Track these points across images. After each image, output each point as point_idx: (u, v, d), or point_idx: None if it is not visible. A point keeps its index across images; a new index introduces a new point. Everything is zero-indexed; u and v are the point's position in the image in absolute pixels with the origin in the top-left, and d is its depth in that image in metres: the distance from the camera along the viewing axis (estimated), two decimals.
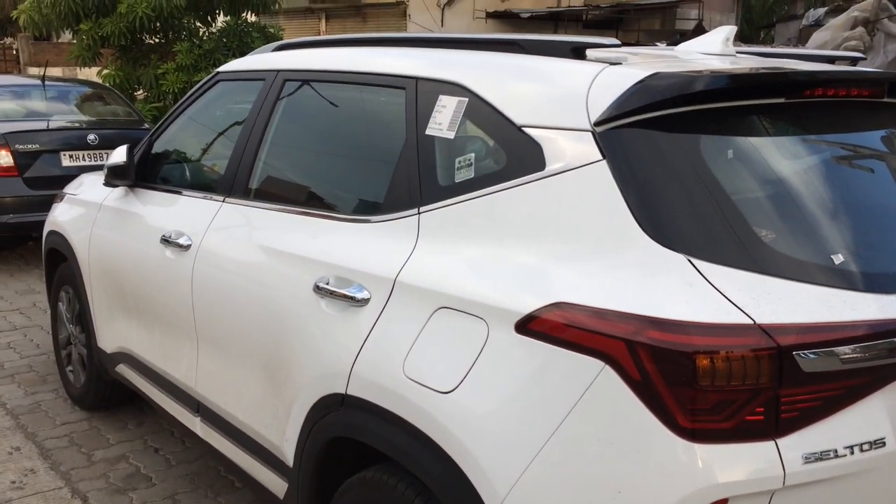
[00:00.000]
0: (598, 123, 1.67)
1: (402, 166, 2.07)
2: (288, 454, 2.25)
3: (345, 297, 2.06)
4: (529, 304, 1.63)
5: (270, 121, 2.59)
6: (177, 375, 2.90)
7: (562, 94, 1.79)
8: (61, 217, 3.83)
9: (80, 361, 3.92)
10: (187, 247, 2.72)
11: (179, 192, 3.00)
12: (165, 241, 2.84)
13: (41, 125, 6.82)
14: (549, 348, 1.58)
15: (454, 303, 1.77)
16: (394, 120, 2.17)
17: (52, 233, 3.94)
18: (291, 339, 2.22)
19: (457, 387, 1.71)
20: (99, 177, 3.82)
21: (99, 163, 6.82)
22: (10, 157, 6.52)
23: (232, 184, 2.67)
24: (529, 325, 1.62)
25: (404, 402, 1.82)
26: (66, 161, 6.77)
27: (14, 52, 22.91)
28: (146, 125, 7.47)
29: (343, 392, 1.99)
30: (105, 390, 3.81)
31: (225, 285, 2.54)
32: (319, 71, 2.53)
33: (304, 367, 2.16)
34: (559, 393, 1.56)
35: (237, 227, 2.61)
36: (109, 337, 3.43)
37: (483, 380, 1.68)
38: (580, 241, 1.66)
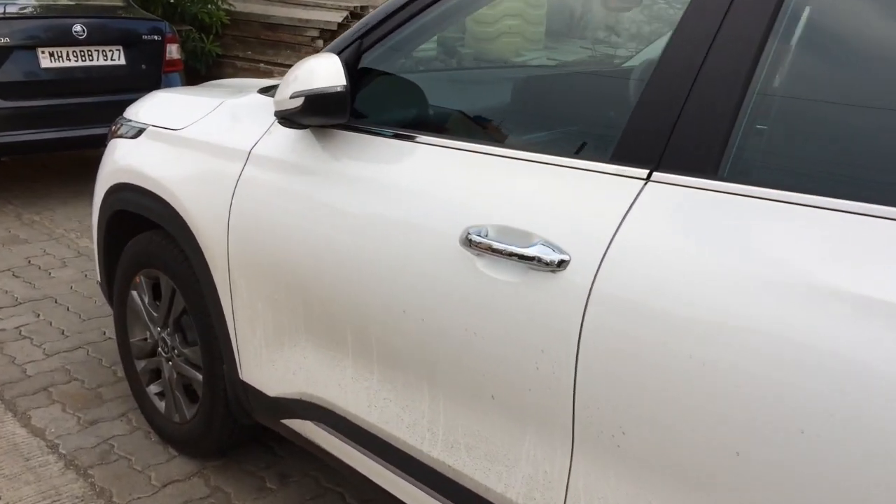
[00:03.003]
0: None
1: None
2: None
3: None
4: None
5: (785, 26, 1.26)
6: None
7: None
8: (154, 166, 2.36)
9: (182, 386, 2.55)
10: (558, 266, 1.39)
11: (484, 151, 1.64)
12: (475, 244, 1.50)
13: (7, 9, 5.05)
14: None
15: None
16: None
17: (129, 188, 2.48)
18: None
19: None
20: (213, 98, 2.37)
21: (89, 63, 5.16)
22: None
23: (666, 144, 1.34)
24: None
25: None
26: (46, 61, 5.07)
27: None
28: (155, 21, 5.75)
29: None
30: (236, 434, 2.48)
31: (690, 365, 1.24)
32: None
33: None
34: None
35: (698, 231, 1.29)
36: (274, 373, 2.08)
37: None
38: None
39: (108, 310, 3.73)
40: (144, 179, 2.38)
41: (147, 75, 5.54)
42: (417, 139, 1.75)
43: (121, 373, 3.15)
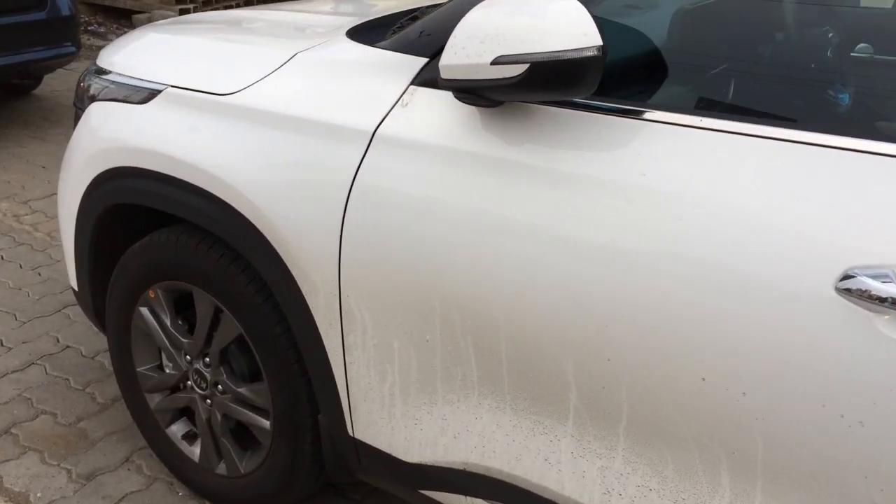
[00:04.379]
0: None
1: None
2: None
3: None
4: None
5: None
6: None
7: None
8: (189, 146, 1.64)
9: (228, 430, 1.94)
10: None
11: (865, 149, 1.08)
12: (868, 294, 1.00)
13: None
14: None
15: None
16: None
17: (138, 174, 1.76)
18: None
19: None
20: (267, 45, 1.71)
21: None
22: None
23: None
24: None
25: None
26: None
27: None
28: None
29: None
30: (316, 487, 1.91)
31: None
32: None
33: None
34: None
35: None
36: (418, 435, 1.52)
37: None
38: None
39: (49, 304, 2.96)
40: (172, 164, 1.68)
41: None
42: (721, 126, 1.18)
43: (101, 397, 2.46)
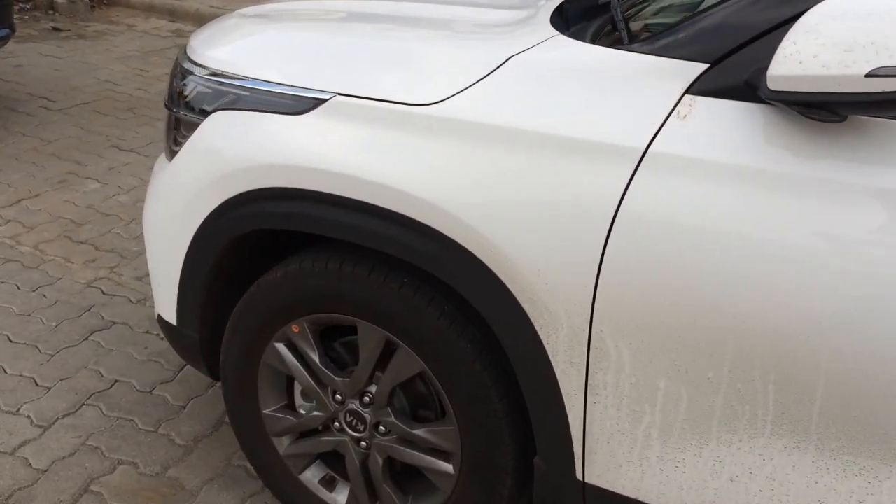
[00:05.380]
0: None
1: None
2: None
3: None
4: None
5: None
6: None
7: None
8: (378, 165, 1.41)
9: (389, 474, 1.74)
10: None
11: None
12: None
13: None
14: None
15: None
16: None
17: (294, 196, 1.53)
18: None
19: None
20: (466, 46, 1.52)
21: None
22: None
23: None
24: None
25: None
26: None
27: None
28: None
29: None
30: None
31: None
32: None
33: None
34: None
35: None
36: (678, 478, 1.37)
37: None
38: None
39: (72, 331, 2.61)
40: (352, 185, 1.44)
41: None
42: None
43: (180, 438, 2.18)
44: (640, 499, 1.44)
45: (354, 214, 1.48)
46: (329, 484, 1.85)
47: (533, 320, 1.38)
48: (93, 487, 1.99)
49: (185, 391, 2.37)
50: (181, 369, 2.46)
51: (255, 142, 1.57)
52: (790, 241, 1.17)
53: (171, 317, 1.89)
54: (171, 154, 1.80)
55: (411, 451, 1.68)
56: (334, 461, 1.86)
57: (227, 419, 2.25)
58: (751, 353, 1.23)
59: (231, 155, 1.60)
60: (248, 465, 2.09)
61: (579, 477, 1.48)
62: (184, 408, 2.30)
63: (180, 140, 1.75)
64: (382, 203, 1.43)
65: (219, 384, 2.34)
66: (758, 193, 1.19)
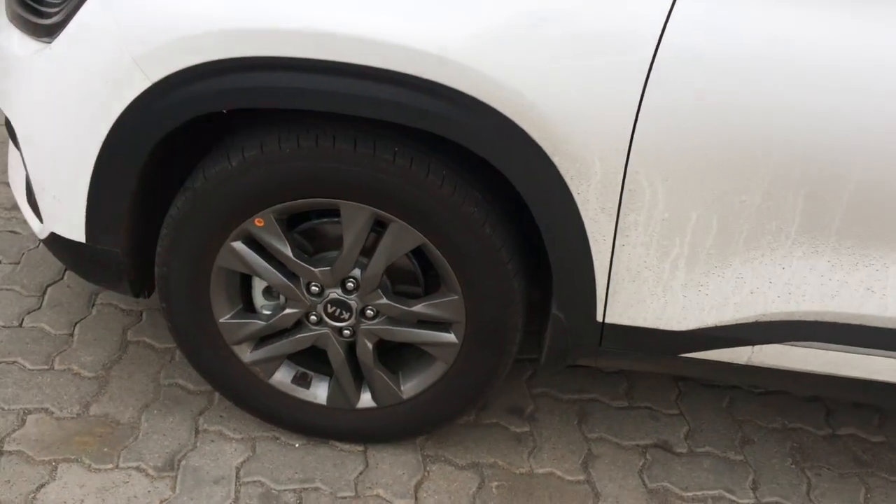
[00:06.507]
0: None
1: None
2: None
3: None
4: None
5: None
6: None
7: None
8: (371, 19, 1.22)
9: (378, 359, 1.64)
10: None
11: None
12: None
13: None
14: None
15: None
16: None
17: (265, 65, 1.29)
18: None
19: None
20: None
21: None
22: None
23: None
24: None
25: None
26: None
27: None
28: None
29: None
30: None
31: None
32: None
33: None
34: None
35: None
36: (700, 301, 1.42)
37: None
38: None
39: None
40: (351, 46, 1.24)
41: None
42: None
43: (84, 369, 1.89)
44: (661, 327, 1.49)
45: (351, 81, 1.28)
46: (302, 380, 1.72)
47: (563, 172, 1.32)
48: (7, 447, 1.68)
49: (63, 316, 2.02)
50: (44, 292, 2.09)
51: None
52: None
53: (75, 234, 1.56)
54: (46, 28, 1.42)
55: (407, 330, 1.59)
56: (301, 357, 1.72)
57: (130, 338, 1.97)
58: (792, 171, 1.28)
59: (182, 21, 1.30)
60: (182, 381, 1.87)
61: (599, 319, 1.50)
62: (71, 336, 1.97)
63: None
64: (389, 66, 1.25)
65: (101, 300, 2.05)
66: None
